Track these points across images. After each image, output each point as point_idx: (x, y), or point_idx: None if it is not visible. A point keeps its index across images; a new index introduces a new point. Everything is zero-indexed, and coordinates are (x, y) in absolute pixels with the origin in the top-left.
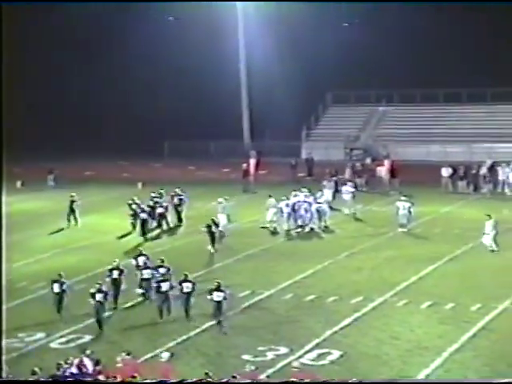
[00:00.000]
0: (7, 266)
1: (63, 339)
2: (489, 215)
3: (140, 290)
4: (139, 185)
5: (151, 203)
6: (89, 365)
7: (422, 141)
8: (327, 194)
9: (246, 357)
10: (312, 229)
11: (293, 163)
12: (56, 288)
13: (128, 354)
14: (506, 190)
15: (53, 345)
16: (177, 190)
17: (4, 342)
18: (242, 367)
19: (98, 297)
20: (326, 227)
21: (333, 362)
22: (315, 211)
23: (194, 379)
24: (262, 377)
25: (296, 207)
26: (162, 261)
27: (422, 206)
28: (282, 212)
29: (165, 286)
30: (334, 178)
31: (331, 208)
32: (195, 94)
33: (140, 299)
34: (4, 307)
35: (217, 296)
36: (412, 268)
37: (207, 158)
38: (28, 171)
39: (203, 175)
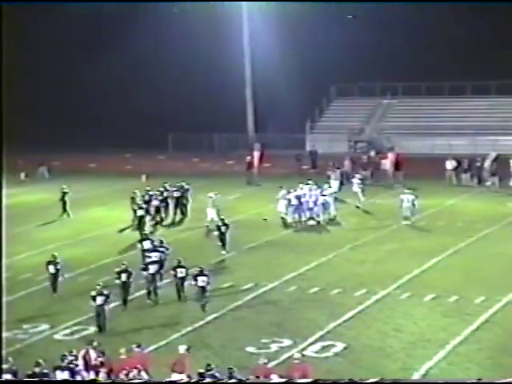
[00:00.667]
0: (12, 258)
1: (67, 331)
2: None
3: (145, 273)
4: (143, 177)
5: (146, 197)
6: (94, 356)
7: (426, 134)
8: (334, 185)
9: (249, 349)
10: (318, 222)
11: (298, 156)
12: (51, 269)
13: (138, 346)
14: None
15: (57, 336)
16: (182, 183)
17: (8, 333)
18: (247, 359)
19: (99, 300)
20: (331, 219)
21: (336, 354)
22: (320, 204)
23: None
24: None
25: (302, 200)
26: (161, 242)
27: (426, 199)
28: (290, 204)
29: (152, 269)
30: (340, 170)
31: (336, 199)
32: (199, 86)
33: (144, 291)
34: (4, 300)
35: (201, 281)
36: (415, 261)
37: (211, 150)
38: (32, 163)
39: (207, 167)
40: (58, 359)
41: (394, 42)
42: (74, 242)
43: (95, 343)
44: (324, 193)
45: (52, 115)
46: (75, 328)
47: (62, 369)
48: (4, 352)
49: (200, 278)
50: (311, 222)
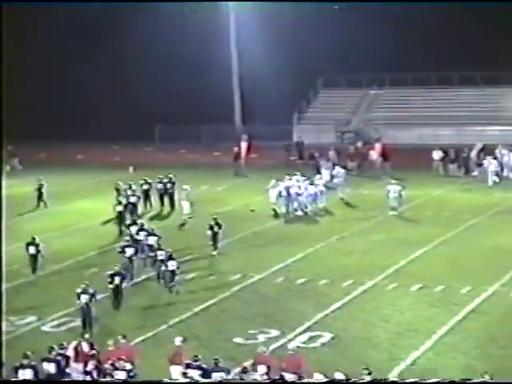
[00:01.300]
0: None
1: (55, 322)
2: None
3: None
4: (130, 169)
5: (129, 192)
6: (86, 348)
7: (413, 124)
8: (325, 174)
9: (237, 340)
10: (306, 213)
11: (287, 146)
12: (31, 250)
13: (124, 337)
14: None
15: (44, 328)
16: (170, 175)
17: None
18: (235, 350)
19: (84, 298)
20: (320, 210)
21: (324, 344)
22: (308, 195)
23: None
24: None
25: (290, 191)
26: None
27: (413, 189)
28: (280, 195)
29: (129, 252)
30: (331, 160)
31: (327, 187)
32: (186, 78)
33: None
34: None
35: (171, 265)
36: (402, 251)
37: (198, 141)
38: (18, 155)
39: (194, 159)
40: (46, 351)
41: (380, 33)
42: (62, 234)
43: (87, 335)
44: (316, 182)
45: (38, 107)
46: (63, 320)
47: (49, 361)
48: None
49: (170, 263)
50: (299, 213)
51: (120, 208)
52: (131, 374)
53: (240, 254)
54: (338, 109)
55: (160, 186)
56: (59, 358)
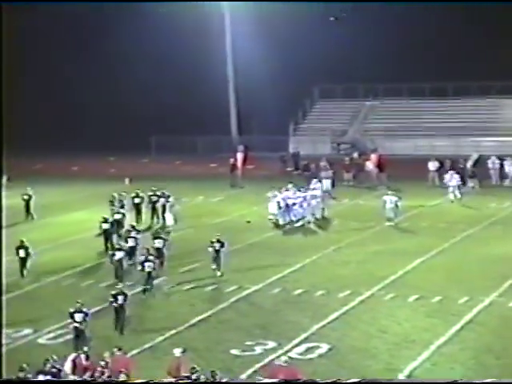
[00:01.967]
0: None
1: (51, 335)
2: None
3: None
4: (126, 180)
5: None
6: (83, 361)
7: (408, 135)
8: (326, 183)
9: (234, 351)
10: (303, 224)
11: (283, 157)
12: (21, 253)
13: (119, 350)
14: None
15: (40, 340)
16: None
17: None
18: (232, 362)
19: (78, 317)
20: (317, 219)
21: (321, 355)
22: (306, 206)
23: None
24: (250, 371)
25: (288, 201)
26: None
27: (409, 200)
28: (279, 206)
29: (118, 255)
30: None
31: (329, 196)
32: (182, 89)
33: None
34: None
35: (147, 266)
36: (399, 262)
37: (194, 152)
38: (14, 167)
39: (190, 170)
40: (42, 364)
41: (375, 44)
42: (57, 246)
43: (85, 348)
44: (314, 193)
45: (35, 118)
46: (59, 332)
47: (45, 373)
48: None
49: (147, 264)
50: (297, 224)
51: (106, 226)
52: None
53: (236, 266)
54: (334, 120)
55: (154, 198)
56: (55, 370)
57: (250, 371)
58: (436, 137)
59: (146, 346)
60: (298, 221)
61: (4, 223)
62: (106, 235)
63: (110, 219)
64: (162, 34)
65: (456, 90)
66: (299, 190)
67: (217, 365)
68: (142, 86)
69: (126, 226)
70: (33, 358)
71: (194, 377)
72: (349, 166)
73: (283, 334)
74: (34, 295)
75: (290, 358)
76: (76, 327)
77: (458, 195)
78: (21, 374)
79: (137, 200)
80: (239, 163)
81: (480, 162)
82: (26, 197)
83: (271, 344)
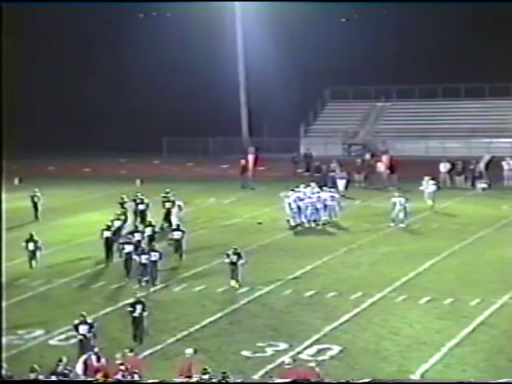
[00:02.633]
0: (6, 264)
1: (62, 336)
2: None
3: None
4: (137, 182)
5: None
6: (95, 362)
7: (420, 136)
8: (340, 184)
9: (245, 353)
10: (317, 225)
11: (295, 158)
12: (31, 246)
13: (131, 351)
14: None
15: (52, 342)
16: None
17: (4, 339)
18: (243, 363)
19: (82, 329)
20: (329, 222)
21: (332, 357)
22: (321, 207)
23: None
24: (262, 372)
25: (299, 203)
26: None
27: (421, 202)
28: (290, 207)
29: (128, 248)
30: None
31: (344, 196)
32: (193, 90)
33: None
34: (4, 304)
35: (153, 256)
36: (411, 263)
37: (206, 154)
38: (25, 168)
39: (202, 172)
40: (54, 365)
41: (387, 45)
42: (69, 247)
43: (96, 349)
44: (324, 195)
45: (47, 120)
46: (70, 333)
47: (57, 374)
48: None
49: (152, 253)
50: (308, 225)
51: (108, 234)
52: None
53: (248, 267)
54: (345, 121)
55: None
56: (66, 371)
57: (261, 372)
58: (447, 138)
59: (158, 347)
60: (309, 222)
61: (14, 224)
62: (108, 244)
63: (113, 227)
64: (174, 36)
65: (468, 91)
66: (314, 192)
67: (228, 366)
68: (154, 88)
69: (128, 228)
70: (44, 359)
71: (205, 377)
72: (360, 168)
73: (295, 335)
74: (46, 296)
75: (294, 360)
76: (81, 340)
77: (430, 202)
78: (32, 375)
79: (141, 207)
80: (250, 165)
81: (492, 163)
82: (35, 198)
83: (282, 345)
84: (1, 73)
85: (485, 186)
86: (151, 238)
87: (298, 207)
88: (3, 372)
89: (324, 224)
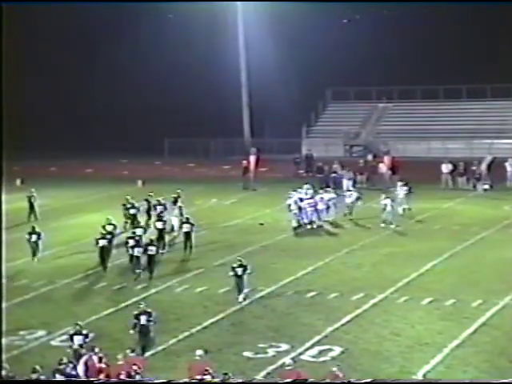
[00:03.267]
0: (8, 264)
1: (64, 337)
2: None
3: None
4: (139, 182)
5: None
6: (96, 362)
7: (422, 137)
8: (346, 184)
9: (247, 354)
10: (319, 226)
11: (297, 159)
12: (33, 238)
13: (132, 351)
14: None
15: (54, 342)
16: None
17: (4, 340)
18: (245, 364)
19: (77, 340)
20: (330, 223)
21: (334, 358)
22: (323, 208)
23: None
24: (263, 373)
25: (300, 204)
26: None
27: (422, 203)
28: (289, 208)
29: (131, 242)
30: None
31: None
32: (195, 91)
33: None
34: (4, 305)
35: (150, 250)
36: (412, 264)
37: (207, 155)
38: (27, 169)
39: (203, 172)
40: (55, 365)
41: (389, 46)
42: (71, 248)
43: (97, 349)
44: (326, 196)
45: (48, 121)
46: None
47: (61, 373)
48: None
49: (150, 248)
50: (309, 226)
51: (103, 242)
52: None
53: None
54: (346, 122)
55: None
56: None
57: (262, 373)
58: (449, 139)
59: (159, 348)
60: (310, 223)
61: (14, 223)
62: (103, 253)
63: (109, 236)
64: (174, 36)
65: (469, 92)
66: (315, 192)
67: (229, 367)
68: (155, 88)
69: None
70: (46, 359)
71: (207, 378)
72: (362, 168)
73: (296, 336)
74: (48, 297)
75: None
76: (76, 350)
77: (404, 207)
78: (34, 376)
79: (132, 211)
80: (252, 166)
81: (494, 164)
82: (31, 199)
83: (284, 346)
84: (1, 73)
85: (487, 186)
86: (160, 235)
87: (299, 208)
88: (3, 373)
89: (327, 221)
